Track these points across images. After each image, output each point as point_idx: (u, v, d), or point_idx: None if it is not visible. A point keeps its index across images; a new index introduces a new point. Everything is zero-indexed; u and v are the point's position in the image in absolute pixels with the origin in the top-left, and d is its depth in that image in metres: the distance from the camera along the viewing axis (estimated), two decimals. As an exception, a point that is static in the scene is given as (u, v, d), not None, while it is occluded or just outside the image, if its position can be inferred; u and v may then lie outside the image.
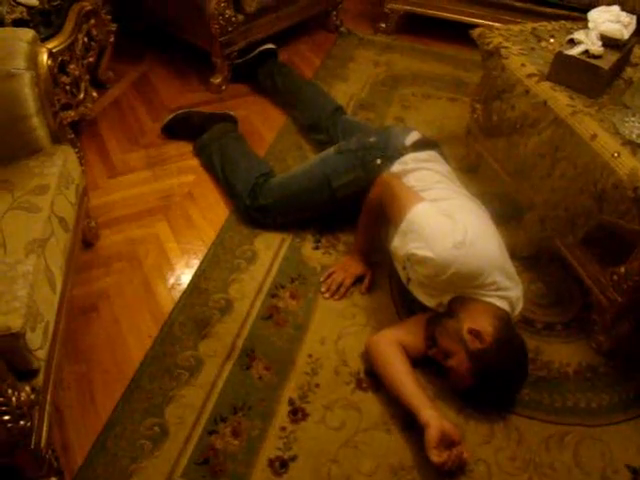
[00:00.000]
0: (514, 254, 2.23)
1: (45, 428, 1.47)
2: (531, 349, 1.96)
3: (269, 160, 2.60)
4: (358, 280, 2.13)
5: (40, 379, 1.44)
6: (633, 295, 1.80)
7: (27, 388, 1.38)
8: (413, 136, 2.21)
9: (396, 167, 2.10)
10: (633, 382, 1.91)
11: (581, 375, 1.92)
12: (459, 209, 1.87)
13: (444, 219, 1.79)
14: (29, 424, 1.38)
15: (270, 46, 3.08)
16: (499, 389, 1.77)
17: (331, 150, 2.30)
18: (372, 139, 2.23)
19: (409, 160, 2.10)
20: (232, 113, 2.77)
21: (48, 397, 1.51)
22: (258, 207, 2.29)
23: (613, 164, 1.73)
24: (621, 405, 1.86)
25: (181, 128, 2.74)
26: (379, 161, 2.14)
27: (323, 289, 2.11)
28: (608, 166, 1.75)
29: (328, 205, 2.26)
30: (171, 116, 2.75)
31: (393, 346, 1.82)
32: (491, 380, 1.72)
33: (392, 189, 1.97)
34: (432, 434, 1.61)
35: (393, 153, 2.14)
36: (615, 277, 1.81)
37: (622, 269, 1.78)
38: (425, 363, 1.87)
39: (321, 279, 2.14)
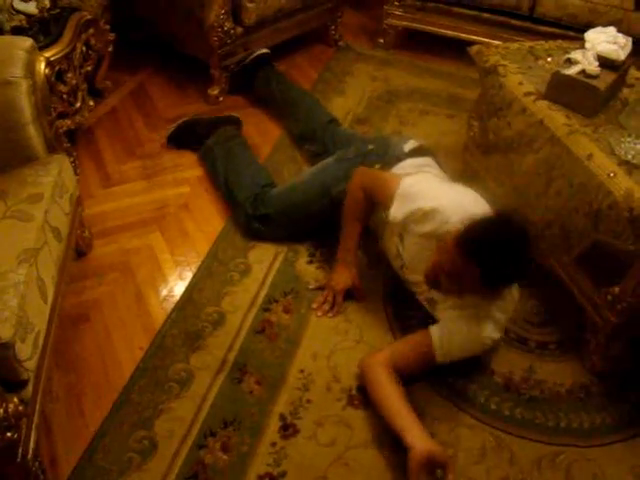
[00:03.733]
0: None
1: (33, 440, 1.45)
2: (524, 368, 1.96)
3: (265, 172, 2.59)
4: (349, 295, 2.12)
5: (29, 390, 1.42)
6: (627, 316, 1.80)
7: (15, 399, 1.36)
8: (411, 144, 2.23)
9: (395, 171, 2.11)
10: (626, 403, 1.90)
11: (574, 395, 1.92)
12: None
13: (439, 182, 1.97)
14: (16, 436, 1.36)
15: (264, 50, 3.09)
16: (504, 260, 1.65)
17: (330, 159, 2.32)
18: (370, 147, 2.27)
19: (407, 166, 2.12)
20: (236, 115, 2.79)
21: (36, 408, 1.49)
22: (259, 216, 2.28)
23: (609, 184, 1.74)
24: (614, 426, 1.85)
25: (186, 137, 2.73)
26: (377, 166, 2.16)
27: (315, 306, 2.09)
28: (604, 186, 1.75)
29: (328, 214, 2.23)
30: (175, 125, 2.75)
31: (385, 369, 1.79)
32: (491, 254, 1.63)
33: (373, 173, 2.06)
34: (415, 459, 1.58)
35: (391, 159, 2.16)
36: (609, 297, 1.80)
37: (616, 289, 1.78)
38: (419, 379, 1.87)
39: (313, 305, 2.10)
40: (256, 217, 2.29)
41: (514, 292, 1.87)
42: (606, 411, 1.88)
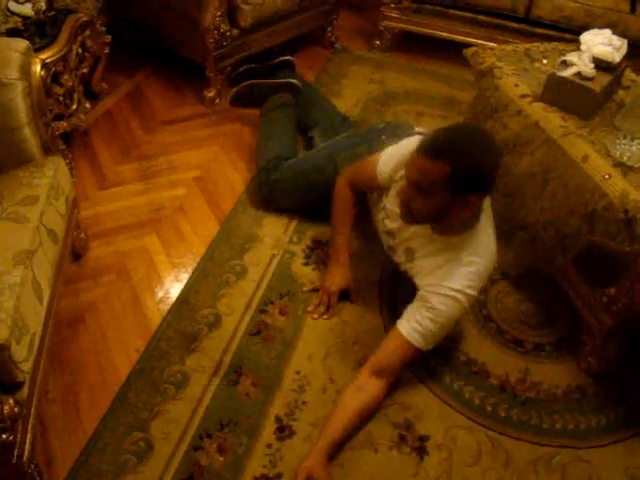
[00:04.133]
0: (504, 273, 2.24)
1: (28, 442, 1.45)
2: (520, 370, 1.96)
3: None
4: (344, 296, 2.12)
5: (25, 392, 1.42)
6: (623, 317, 1.80)
7: (11, 401, 1.36)
8: (420, 129, 2.26)
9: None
10: (622, 404, 1.91)
11: (570, 396, 1.92)
12: None
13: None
14: (12, 438, 1.36)
15: (288, 58, 3.08)
16: (473, 154, 1.61)
17: (341, 135, 2.43)
18: (381, 125, 2.38)
19: (416, 140, 2.10)
20: (294, 81, 2.82)
21: (32, 410, 1.49)
22: (270, 182, 2.40)
23: (604, 186, 1.74)
24: (610, 427, 1.85)
25: (246, 99, 2.87)
26: (384, 137, 2.21)
27: (310, 309, 2.09)
28: (599, 188, 1.75)
29: (332, 184, 2.21)
30: (236, 89, 2.87)
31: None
32: (460, 149, 1.61)
33: (354, 165, 2.13)
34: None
35: (401, 136, 2.11)
36: (605, 299, 1.81)
37: (612, 291, 1.79)
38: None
39: (309, 308, 2.09)
40: (267, 183, 2.40)
41: (491, 241, 1.81)
42: (602, 413, 1.88)
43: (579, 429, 1.84)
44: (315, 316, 2.07)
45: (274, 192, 2.41)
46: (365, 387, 1.77)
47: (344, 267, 2.14)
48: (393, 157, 1.93)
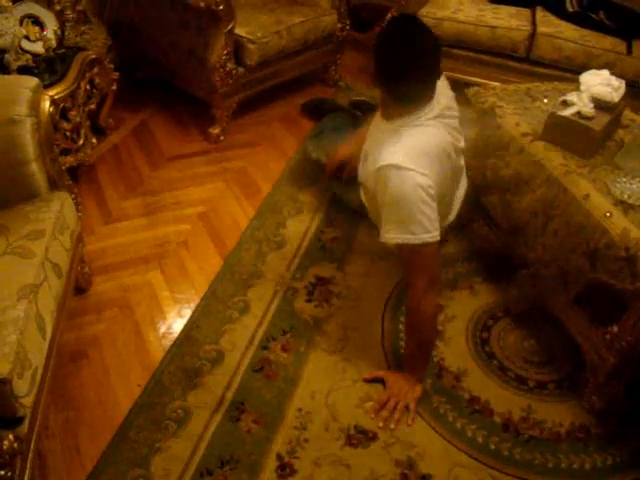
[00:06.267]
0: (507, 311, 2.24)
1: (27, 477, 1.44)
2: (523, 408, 1.95)
3: (265, 211, 2.63)
4: (347, 334, 2.11)
5: (25, 427, 1.41)
6: (626, 355, 1.79)
7: (10, 436, 1.36)
8: None
9: None
10: (627, 444, 1.88)
11: (574, 435, 1.90)
12: None
13: None
14: (10, 474, 1.35)
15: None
16: (389, 50, 1.76)
17: None
18: None
19: None
20: (358, 113, 3.08)
21: (32, 445, 1.48)
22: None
23: (605, 224, 1.75)
24: (614, 467, 1.83)
25: (313, 109, 3.32)
26: None
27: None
28: (600, 225, 1.76)
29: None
30: (310, 98, 3.40)
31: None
32: (380, 44, 1.77)
33: None
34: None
35: None
36: (608, 337, 1.80)
37: (614, 329, 1.78)
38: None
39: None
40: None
41: (421, 135, 1.82)
42: (607, 452, 1.86)
43: (584, 469, 1.81)
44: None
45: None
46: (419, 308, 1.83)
47: (357, 142, 2.21)
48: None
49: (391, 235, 1.77)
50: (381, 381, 1.97)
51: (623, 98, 2.08)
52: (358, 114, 3.05)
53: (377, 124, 1.97)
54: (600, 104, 2.02)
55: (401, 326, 2.14)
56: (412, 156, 1.73)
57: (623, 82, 2.08)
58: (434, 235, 1.75)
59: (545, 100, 2.29)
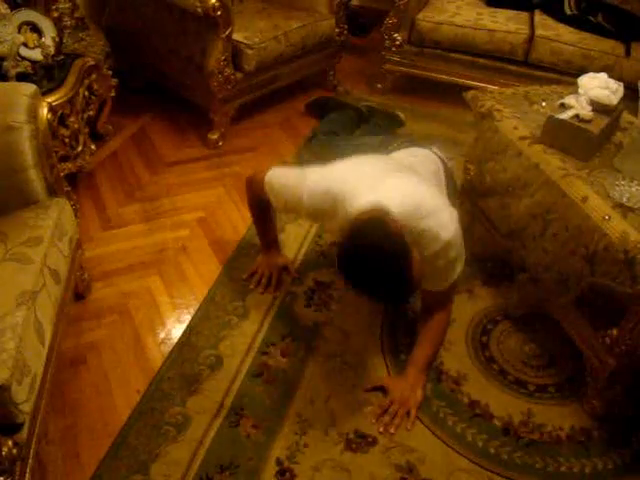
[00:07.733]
0: (507, 314, 2.24)
1: (27, 484, 1.44)
2: (523, 411, 1.94)
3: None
4: (346, 340, 2.11)
5: (24, 433, 1.42)
6: (626, 358, 1.79)
7: (9, 443, 1.36)
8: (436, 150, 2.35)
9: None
10: (628, 447, 1.88)
11: (575, 439, 1.89)
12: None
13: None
14: (10, 480, 1.35)
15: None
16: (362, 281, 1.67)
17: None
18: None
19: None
20: (364, 109, 3.14)
21: (31, 451, 1.48)
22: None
23: (604, 227, 1.75)
24: (615, 471, 1.82)
25: (317, 109, 3.29)
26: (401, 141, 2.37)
27: (252, 286, 2.29)
28: (599, 229, 1.76)
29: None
30: (314, 98, 3.35)
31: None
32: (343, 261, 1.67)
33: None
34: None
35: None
36: (607, 340, 1.80)
37: (614, 332, 1.78)
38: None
39: (243, 276, 2.32)
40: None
41: None
42: (608, 456, 1.85)
43: (584, 473, 1.81)
44: (260, 290, 2.27)
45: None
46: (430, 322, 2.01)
47: (278, 250, 2.38)
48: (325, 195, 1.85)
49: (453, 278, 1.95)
50: (381, 388, 1.97)
51: (621, 101, 2.08)
52: (363, 110, 3.11)
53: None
54: (598, 107, 2.02)
55: (400, 330, 2.13)
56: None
57: (621, 85, 2.08)
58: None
59: (543, 103, 2.29)
